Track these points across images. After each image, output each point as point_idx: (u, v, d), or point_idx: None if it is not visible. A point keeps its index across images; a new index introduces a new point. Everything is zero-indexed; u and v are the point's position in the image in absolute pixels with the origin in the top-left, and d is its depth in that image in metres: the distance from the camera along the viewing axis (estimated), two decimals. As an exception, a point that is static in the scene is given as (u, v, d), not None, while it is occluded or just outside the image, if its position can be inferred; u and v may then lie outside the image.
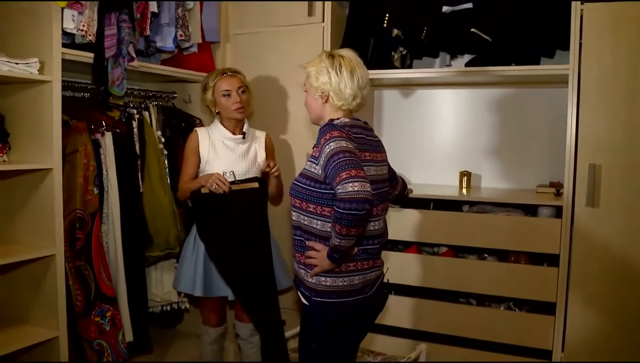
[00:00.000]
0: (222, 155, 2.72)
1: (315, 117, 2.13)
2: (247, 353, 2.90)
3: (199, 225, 2.71)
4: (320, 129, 2.00)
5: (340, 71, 2.00)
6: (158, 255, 2.87)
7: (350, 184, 1.77)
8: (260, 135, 2.88)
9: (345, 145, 1.88)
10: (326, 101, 2.05)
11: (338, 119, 2.02)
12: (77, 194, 2.51)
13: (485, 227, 2.82)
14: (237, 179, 2.68)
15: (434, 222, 2.94)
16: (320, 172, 1.92)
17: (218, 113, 2.76)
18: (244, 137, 2.77)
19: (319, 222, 1.97)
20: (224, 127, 2.76)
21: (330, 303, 1.99)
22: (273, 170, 2.69)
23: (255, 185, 2.70)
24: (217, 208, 2.63)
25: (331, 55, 2.04)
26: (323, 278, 1.98)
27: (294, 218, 2.06)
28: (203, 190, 2.61)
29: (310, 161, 1.98)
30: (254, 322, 2.78)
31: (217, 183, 2.56)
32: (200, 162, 2.73)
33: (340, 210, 1.79)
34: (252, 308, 2.73)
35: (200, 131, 2.78)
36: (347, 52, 2.07)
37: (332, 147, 1.87)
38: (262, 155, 2.83)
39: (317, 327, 2.05)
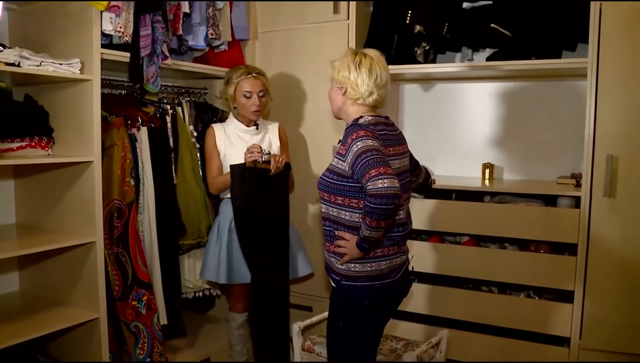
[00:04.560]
0: (238, 146, 2.86)
1: (336, 109, 2.23)
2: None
3: (235, 201, 2.77)
4: (346, 128, 2.10)
5: (359, 67, 2.10)
6: (190, 244, 3.02)
7: (380, 181, 1.88)
8: (273, 126, 3.03)
9: (371, 144, 1.98)
10: (344, 93, 2.15)
11: (362, 117, 2.12)
12: (115, 185, 2.66)
13: (505, 217, 2.90)
14: (264, 157, 2.78)
15: (456, 212, 3.03)
16: (347, 169, 2.03)
17: (235, 107, 2.90)
18: (257, 128, 2.92)
19: (347, 213, 2.08)
20: (239, 121, 2.92)
21: (359, 287, 2.12)
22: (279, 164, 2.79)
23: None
24: (255, 182, 2.75)
25: (355, 52, 2.15)
26: (352, 265, 2.10)
27: (323, 210, 2.18)
28: (248, 164, 2.72)
29: (337, 158, 2.08)
30: (252, 314, 2.92)
31: (250, 154, 2.71)
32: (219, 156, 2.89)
33: (371, 205, 1.89)
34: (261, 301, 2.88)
35: (216, 127, 2.93)
36: (372, 52, 2.16)
37: (359, 146, 1.97)
38: (276, 144, 2.98)
39: (346, 310, 2.17)
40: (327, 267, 2.23)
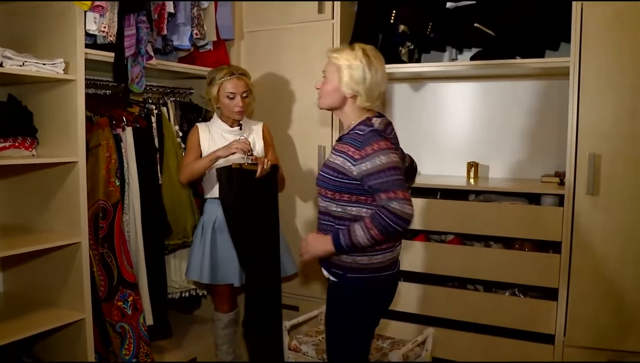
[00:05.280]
0: (221, 146, 2.83)
1: (328, 105, 2.16)
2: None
3: (224, 201, 2.74)
4: (363, 134, 2.04)
5: (377, 74, 2.06)
6: (176, 244, 3.03)
7: (408, 206, 1.93)
8: (257, 127, 3.02)
9: (396, 160, 2.00)
10: (352, 97, 2.10)
11: (370, 119, 2.09)
12: (100, 186, 2.65)
13: (490, 216, 2.91)
14: (248, 160, 2.76)
15: (440, 211, 3.04)
16: (355, 173, 2.01)
17: (218, 108, 2.90)
18: (240, 129, 2.92)
19: (354, 208, 2.07)
20: (223, 121, 2.92)
21: (364, 279, 2.12)
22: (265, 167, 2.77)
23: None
24: (242, 183, 2.72)
25: (366, 55, 2.07)
26: (359, 257, 2.09)
27: (322, 205, 2.17)
28: (234, 166, 2.69)
29: (344, 158, 2.04)
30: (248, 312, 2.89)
31: (238, 146, 2.70)
32: (201, 154, 2.88)
33: (390, 222, 1.92)
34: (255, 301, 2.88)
35: (201, 126, 2.93)
36: (374, 51, 2.11)
37: (383, 161, 1.97)
38: (259, 144, 2.97)
39: (348, 304, 2.16)
40: (326, 262, 2.19)
